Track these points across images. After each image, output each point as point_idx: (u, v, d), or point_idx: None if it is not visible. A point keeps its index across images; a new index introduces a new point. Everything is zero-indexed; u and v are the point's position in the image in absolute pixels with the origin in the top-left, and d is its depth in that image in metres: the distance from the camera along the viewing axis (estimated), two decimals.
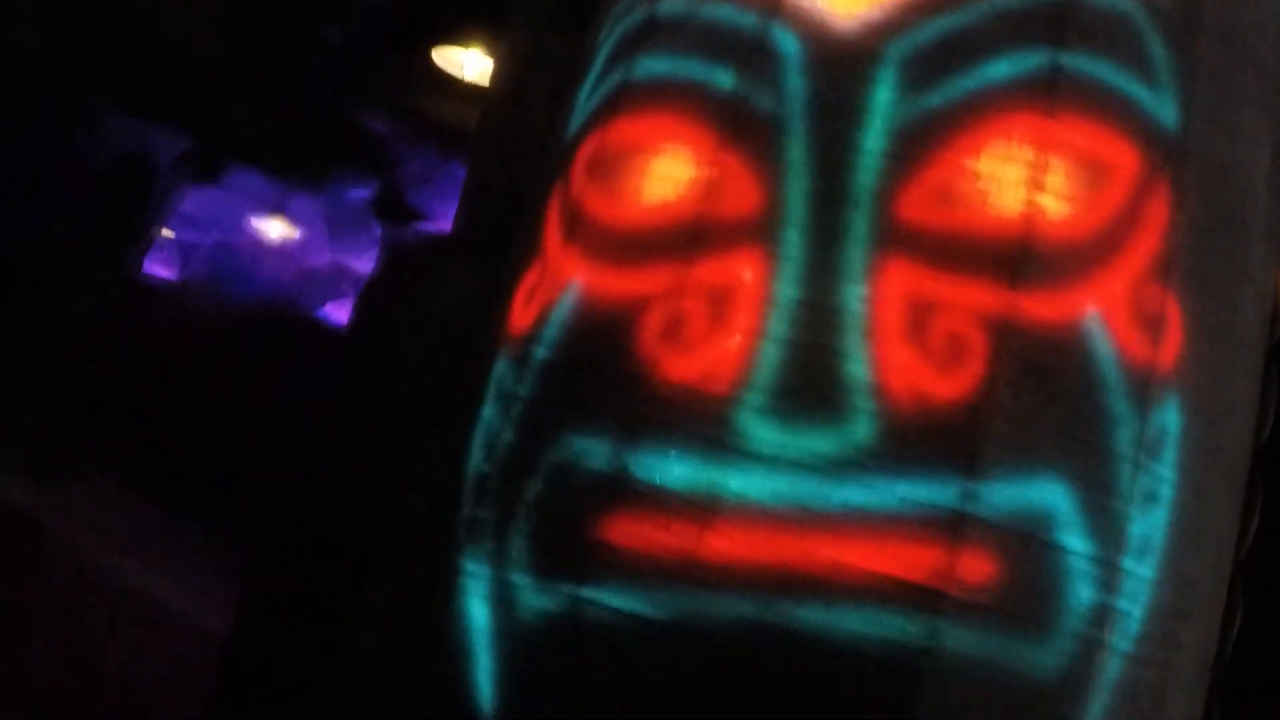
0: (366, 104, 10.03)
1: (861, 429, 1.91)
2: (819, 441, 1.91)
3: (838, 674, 1.87)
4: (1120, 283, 2.00)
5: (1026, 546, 1.90)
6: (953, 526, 1.89)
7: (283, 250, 13.85)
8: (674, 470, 1.94)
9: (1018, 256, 1.95)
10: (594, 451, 1.99)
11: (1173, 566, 2.04)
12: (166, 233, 13.08)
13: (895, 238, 1.96)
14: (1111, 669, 1.95)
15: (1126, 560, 1.96)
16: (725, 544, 1.90)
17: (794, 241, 1.99)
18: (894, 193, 1.97)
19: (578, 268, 2.13)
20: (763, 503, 1.90)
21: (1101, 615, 1.94)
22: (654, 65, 2.19)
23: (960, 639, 1.86)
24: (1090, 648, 1.93)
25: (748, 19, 2.12)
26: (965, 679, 1.87)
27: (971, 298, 1.94)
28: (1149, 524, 1.99)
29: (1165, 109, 2.08)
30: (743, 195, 2.03)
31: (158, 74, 9.32)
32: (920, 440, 1.90)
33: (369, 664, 2.28)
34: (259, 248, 13.87)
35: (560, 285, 2.14)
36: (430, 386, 2.90)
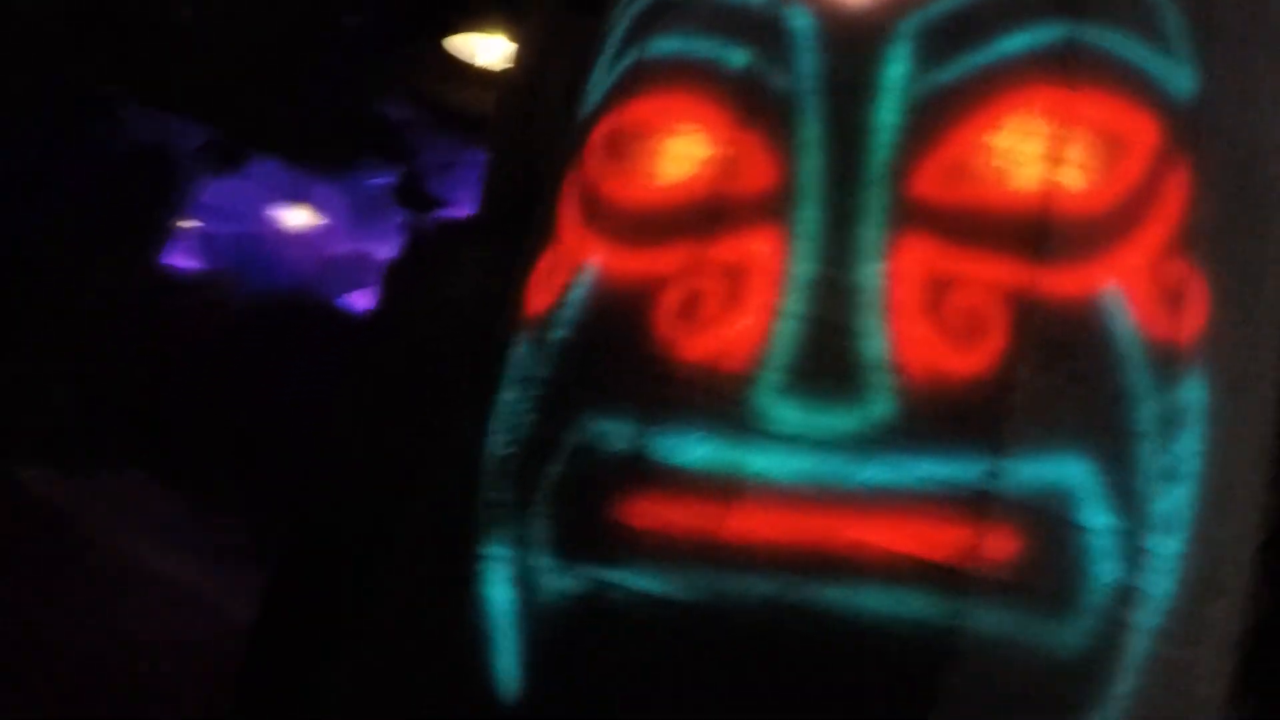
0: (386, 92, 10.03)
1: (880, 406, 1.90)
2: (837, 420, 1.90)
3: (861, 654, 1.86)
4: (1140, 257, 1.98)
5: (1049, 525, 1.89)
6: (977, 505, 1.87)
7: (304, 239, 13.87)
8: (694, 451, 1.93)
9: (1038, 232, 1.93)
10: (614, 432, 1.99)
11: (1199, 544, 2.02)
12: (188, 223, 13.12)
13: (911, 214, 1.95)
14: (1139, 647, 1.94)
15: (1151, 537, 1.95)
16: (747, 524, 1.90)
17: (809, 219, 1.97)
18: (909, 169, 1.96)
19: (594, 249, 2.12)
20: (784, 483, 1.90)
21: (1126, 593, 1.92)
22: (667, 45, 2.18)
23: (984, 618, 1.85)
24: (1115, 626, 1.91)
25: None
26: (989, 659, 1.86)
27: (990, 273, 1.92)
28: (1173, 500, 1.98)
29: (1182, 81, 2.06)
30: (758, 173, 2.02)
31: (175, 64, 9.34)
32: (941, 417, 1.89)
33: (388, 649, 2.28)
34: (281, 237, 13.89)
35: (577, 266, 2.14)
36: (450, 371, 2.89)
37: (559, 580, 1.99)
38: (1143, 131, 2.01)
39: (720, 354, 1.96)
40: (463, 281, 3.58)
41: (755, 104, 2.05)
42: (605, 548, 1.94)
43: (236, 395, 12.59)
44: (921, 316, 1.92)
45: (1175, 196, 2.02)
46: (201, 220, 13.33)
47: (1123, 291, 1.96)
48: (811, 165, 2.00)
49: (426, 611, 2.22)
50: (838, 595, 1.86)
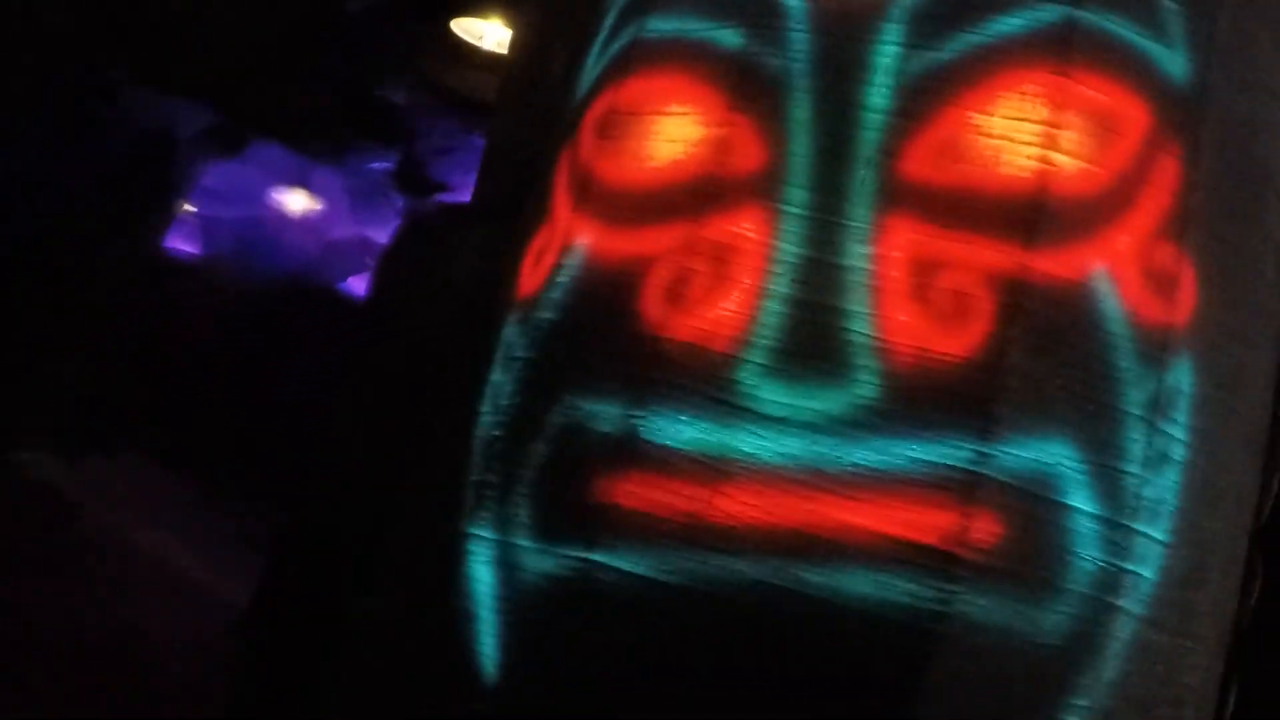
0: (387, 76, 10.02)
1: (865, 388, 1.89)
2: (823, 401, 1.89)
3: (847, 638, 1.85)
4: (1129, 240, 1.97)
5: (1035, 509, 1.88)
6: (966, 489, 1.87)
7: (305, 223, 13.87)
8: (682, 432, 1.93)
9: (1031, 215, 1.92)
10: (601, 413, 1.98)
11: (1188, 530, 2.01)
12: (189, 207, 13.11)
13: (900, 195, 1.94)
14: (1124, 633, 1.93)
15: (1137, 522, 1.94)
16: (734, 506, 1.89)
17: (798, 200, 1.97)
18: (899, 150, 1.95)
19: (583, 229, 2.11)
20: (772, 464, 1.89)
21: (1111, 578, 1.92)
22: (662, 25, 2.17)
23: (972, 603, 1.85)
24: (1100, 611, 1.91)
25: None
26: (976, 643, 1.85)
27: (979, 256, 1.91)
28: (1161, 486, 1.97)
29: (1177, 65, 2.04)
30: (748, 154, 2.01)
31: (178, 48, 9.32)
32: (928, 400, 1.88)
33: (380, 632, 2.28)
34: (282, 221, 13.89)
35: (566, 247, 2.13)
36: (446, 354, 2.89)
37: (541, 561, 1.98)
38: (1135, 115, 2.00)
39: (706, 334, 1.95)
40: (460, 265, 3.57)
41: (748, 85, 2.04)
42: (591, 529, 1.94)
43: (237, 380, 12.60)
44: (908, 298, 1.91)
45: (1165, 181, 2.01)
46: (202, 204, 13.33)
47: (1111, 275, 1.95)
48: (801, 146, 1.99)
49: (415, 593, 2.22)
50: (825, 578, 1.85)
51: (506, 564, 2.02)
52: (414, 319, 3.72)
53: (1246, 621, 2.26)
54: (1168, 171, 2.01)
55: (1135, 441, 1.94)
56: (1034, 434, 1.89)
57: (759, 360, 1.92)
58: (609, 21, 2.31)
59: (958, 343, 1.89)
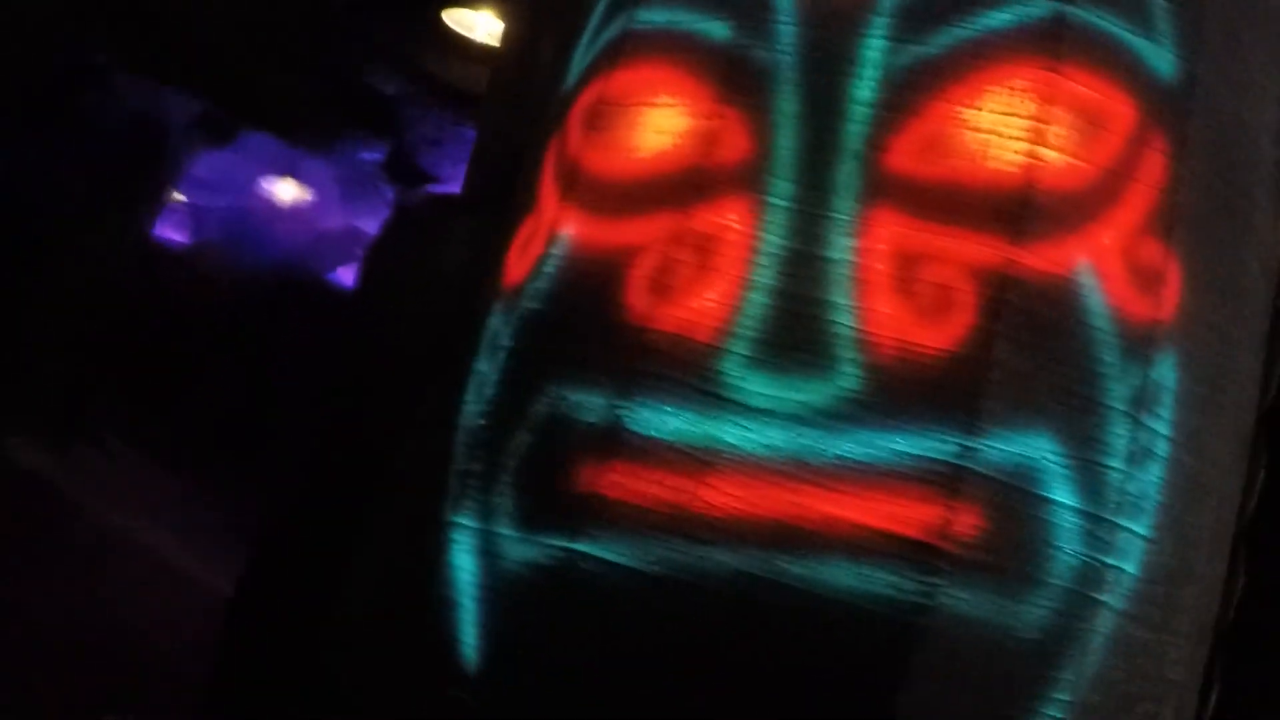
0: (377, 66, 10.00)
1: (848, 380, 1.89)
2: (807, 392, 1.89)
3: (831, 630, 1.86)
4: (1114, 236, 1.97)
5: (1018, 503, 1.89)
6: (950, 482, 1.87)
7: (295, 213, 13.85)
8: (667, 423, 1.93)
9: (1018, 210, 1.92)
10: (585, 403, 1.98)
11: (1172, 526, 2.02)
12: (178, 196, 13.09)
13: (885, 189, 1.94)
14: (1106, 628, 1.94)
15: (1118, 517, 1.94)
16: (719, 498, 1.89)
17: (784, 191, 1.97)
18: (885, 143, 1.95)
19: (570, 219, 2.11)
20: (757, 456, 1.89)
21: (1093, 572, 1.92)
22: (651, 17, 2.17)
23: (954, 596, 1.85)
24: (1081, 605, 1.91)
25: None
26: (958, 636, 1.85)
27: (965, 250, 1.91)
28: (1144, 481, 1.97)
29: (1164, 61, 2.05)
30: (735, 146, 2.01)
31: (168, 36, 9.30)
32: (911, 393, 1.88)
33: (363, 620, 2.27)
34: (271, 211, 13.87)
35: (552, 237, 2.13)
36: (434, 344, 2.88)
37: (524, 550, 1.98)
38: (1122, 111, 2.00)
39: (690, 325, 1.95)
40: (450, 256, 3.57)
41: (736, 77, 2.04)
42: (575, 519, 1.94)
43: (226, 369, 12.58)
44: (892, 291, 1.91)
45: (1152, 177, 2.01)
46: (192, 194, 13.31)
47: (1095, 270, 1.95)
48: (787, 138, 1.99)
49: (398, 582, 2.21)
50: (808, 570, 1.86)
51: (489, 553, 2.02)
52: (402, 309, 3.71)
53: (1230, 618, 2.27)
54: (1154, 168, 2.01)
55: (1119, 437, 1.95)
56: (1018, 428, 1.89)
57: (742, 351, 1.92)
58: (599, 12, 2.30)
59: (940, 336, 1.89)
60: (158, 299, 12.64)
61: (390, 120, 10.88)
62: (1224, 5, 2.14)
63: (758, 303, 1.93)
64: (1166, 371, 2.00)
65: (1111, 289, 1.96)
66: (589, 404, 1.97)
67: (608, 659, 1.91)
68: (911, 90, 1.97)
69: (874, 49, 1.99)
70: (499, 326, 2.17)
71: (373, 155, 11.95)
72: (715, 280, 1.96)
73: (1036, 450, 1.89)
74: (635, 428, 1.93)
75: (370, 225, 12.71)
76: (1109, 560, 1.94)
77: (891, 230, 1.92)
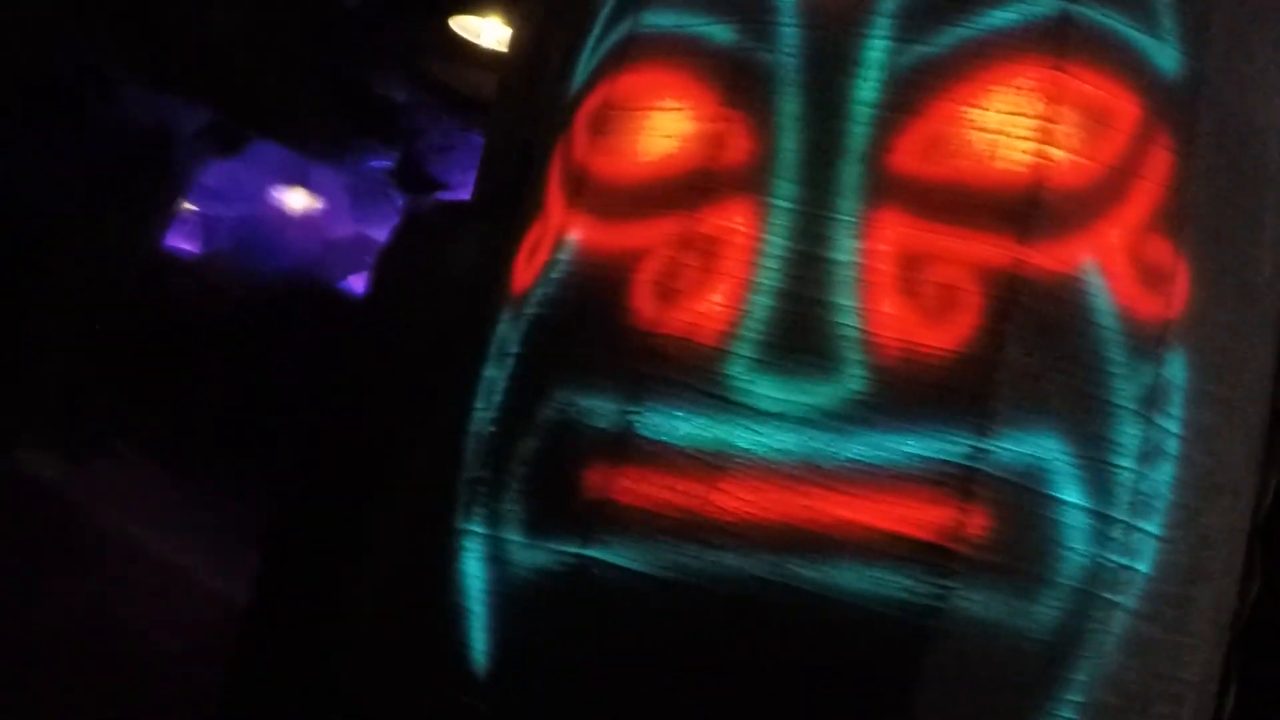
0: (386, 74, 10.01)
1: (855, 381, 1.89)
2: (814, 395, 1.89)
3: (843, 634, 1.85)
4: (1120, 234, 1.97)
5: (1030, 504, 1.88)
6: (962, 484, 1.86)
7: (305, 222, 13.87)
8: (679, 427, 1.92)
9: (1026, 209, 1.92)
10: (595, 409, 1.98)
11: (1185, 525, 2.01)
12: (189, 206, 13.11)
13: (889, 189, 1.93)
14: (1120, 628, 1.93)
15: (1131, 516, 1.94)
16: (731, 502, 1.88)
17: (787, 193, 1.96)
18: (888, 144, 1.95)
19: (576, 224, 2.11)
20: (768, 460, 1.88)
21: (1104, 572, 1.91)
22: (656, 20, 2.16)
23: (967, 598, 1.84)
24: (1094, 606, 1.90)
25: None
26: (971, 638, 1.85)
27: (971, 250, 1.90)
28: (1155, 480, 1.96)
29: (1168, 58, 2.04)
30: (738, 148, 2.01)
31: (176, 46, 9.32)
32: (920, 394, 1.87)
33: (373, 626, 2.27)
34: (281, 220, 13.90)
35: (559, 242, 2.13)
36: (444, 351, 2.88)
37: (534, 557, 1.98)
38: (1126, 108, 1.99)
39: (695, 328, 1.95)
40: (460, 262, 3.57)
41: (740, 80, 2.04)
42: (586, 524, 1.93)
43: (235, 377, 12.59)
44: (896, 292, 1.90)
45: (1158, 174, 2.00)
46: (202, 203, 13.34)
47: (1102, 268, 1.95)
48: (791, 140, 1.98)
49: (409, 588, 2.22)
50: (820, 574, 1.85)
51: (499, 560, 2.02)
52: (412, 316, 3.71)
53: (1246, 618, 2.26)
54: (1160, 165, 2.00)
55: (1129, 436, 1.94)
56: (1028, 428, 1.88)
57: (747, 354, 1.92)
58: (604, 16, 2.30)
59: (946, 336, 1.89)
60: (168, 308, 12.66)
61: (399, 128, 10.90)
62: (1230, 3, 2.13)
63: (763, 305, 1.93)
64: (1177, 369, 1.99)
65: (1118, 287, 1.95)
66: (599, 409, 1.97)
67: (619, 664, 1.91)
68: (915, 90, 1.96)
69: (876, 49, 1.98)
70: (507, 332, 2.17)
71: (382, 163, 11.98)
72: (720, 283, 1.95)
73: (1047, 451, 1.89)
74: (646, 433, 1.93)
75: (380, 233, 12.73)
76: (1122, 560, 1.93)
77: (896, 231, 1.92)
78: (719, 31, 2.09)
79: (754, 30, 2.06)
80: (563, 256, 2.11)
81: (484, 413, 2.15)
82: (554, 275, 2.11)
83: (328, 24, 9.07)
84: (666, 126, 2.07)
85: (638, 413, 1.94)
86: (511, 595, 2.00)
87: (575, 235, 2.10)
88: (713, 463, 1.90)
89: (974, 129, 1.94)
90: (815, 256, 1.93)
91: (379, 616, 2.29)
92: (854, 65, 1.98)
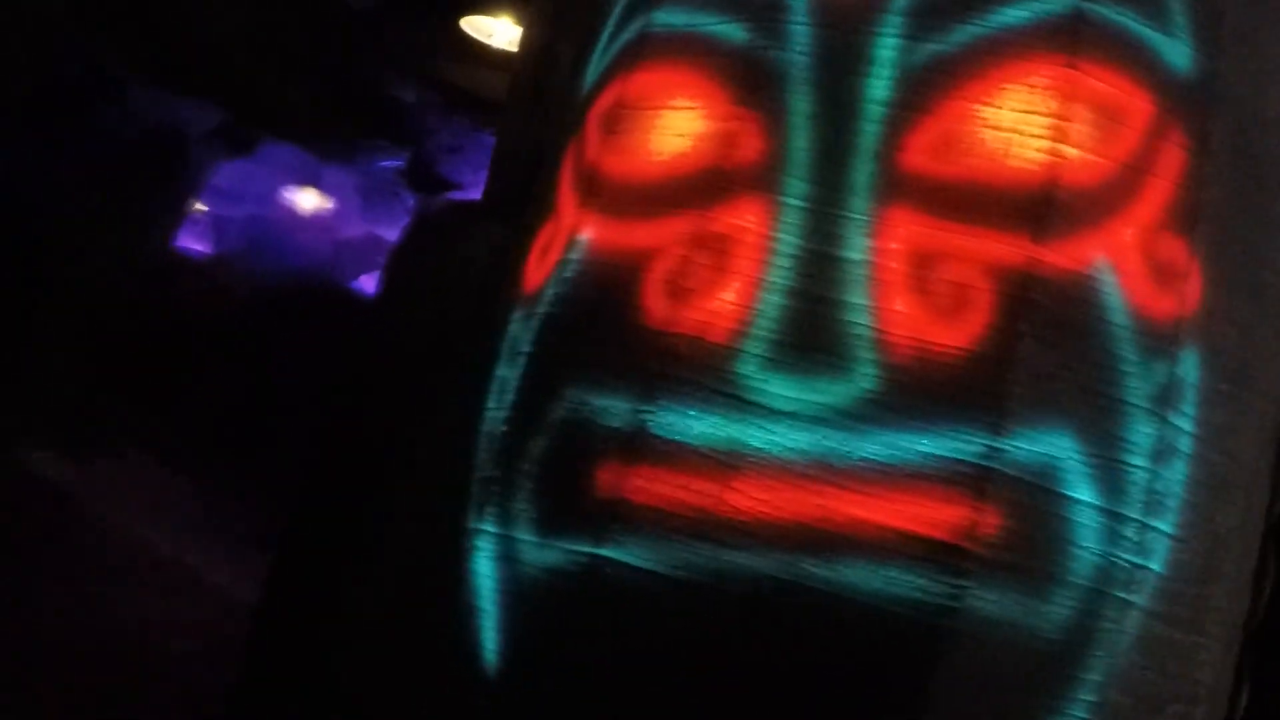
0: (397, 74, 10.02)
1: (866, 380, 1.88)
2: (827, 394, 1.88)
3: (857, 634, 1.85)
4: (1132, 232, 1.96)
5: (1043, 503, 1.88)
6: (977, 484, 1.86)
7: (316, 222, 13.88)
8: (692, 427, 1.92)
9: (1040, 208, 1.91)
10: (609, 408, 1.97)
11: (1198, 525, 2.00)
12: (200, 206, 13.13)
13: (900, 188, 1.93)
14: (1133, 627, 1.92)
15: (1144, 515, 1.93)
16: (745, 501, 1.88)
17: (799, 191, 1.96)
18: (900, 142, 1.94)
19: (588, 223, 2.11)
20: (782, 459, 1.88)
21: (1118, 571, 1.91)
22: (668, 19, 2.16)
23: (981, 598, 1.84)
24: (1107, 605, 1.90)
25: None
26: (985, 638, 1.84)
27: (984, 248, 1.90)
28: (1168, 479, 1.96)
29: (1180, 55, 2.03)
30: (750, 147, 2.00)
31: (186, 47, 9.33)
32: (933, 392, 1.87)
33: (384, 625, 2.27)
34: (292, 220, 13.91)
35: (571, 241, 2.13)
36: (455, 350, 2.88)
37: (546, 555, 1.98)
38: (1138, 106, 1.99)
39: (706, 326, 1.94)
40: (471, 263, 3.57)
41: (752, 79, 2.04)
42: (600, 523, 1.93)
43: (245, 377, 12.60)
44: (908, 290, 1.90)
45: (1170, 172, 2.00)
46: (213, 203, 13.35)
47: (1113, 266, 1.94)
48: (802, 138, 1.98)
49: (419, 588, 2.21)
50: (834, 573, 1.85)
51: (510, 559, 2.02)
52: (424, 316, 3.71)
53: (1260, 617, 2.25)
54: (1173, 162, 2.00)
55: (1143, 434, 1.93)
56: (1042, 427, 1.88)
57: (759, 352, 1.92)
58: (615, 15, 2.30)
59: (957, 334, 1.88)
60: (177, 307, 12.68)
61: (410, 128, 10.91)
62: (1244, 3, 2.12)
63: (774, 303, 1.93)
64: (1190, 368, 1.99)
65: (1131, 285, 1.95)
66: (612, 408, 1.97)
67: (631, 663, 1.90)
68: (927, 89, 1.96)
69: (888, 48, 1.98)
70: (519, 332, 2.17)
71: (393, 163, 11.99)
72: (732, 281, 1.95)
73: (1060, 449, 1.88)
74: (660, 432, 1.93)
75: (391, 233, 12.74)
76: (1135, 559, 1.92)
77: (908, 229, 1.91)
78: (731, 30, 2.08)
79: (766, 29, 2.05)
80: (575, 256, 2.10)
81: (496, 412, 2.14)
82: (566, 274, 2.10)
83: (339, 25, 9.08)
84: (679, 125, 2.07)
85: (651, 412, 1.93)
86: (523, 594, 2.00)
87: (587, 234, 2.10)
88: (726, 462, 1.89)
89: (987, 127, 1.94)
90: (827, 255, 1.93)
91: (388, 615, 2.29)
92: (866, 63, 1.98)
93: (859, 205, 1.93)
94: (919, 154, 1.94)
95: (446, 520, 2.14)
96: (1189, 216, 2.00)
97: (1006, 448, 1.86)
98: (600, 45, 2.32)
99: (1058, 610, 1.87)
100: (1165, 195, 1.99)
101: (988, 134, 1.93)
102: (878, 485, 1.86)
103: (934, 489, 1.85)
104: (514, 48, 7.69)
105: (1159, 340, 1.96)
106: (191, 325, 12.77)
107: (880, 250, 1.91)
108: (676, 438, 1.92)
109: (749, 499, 1.88)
